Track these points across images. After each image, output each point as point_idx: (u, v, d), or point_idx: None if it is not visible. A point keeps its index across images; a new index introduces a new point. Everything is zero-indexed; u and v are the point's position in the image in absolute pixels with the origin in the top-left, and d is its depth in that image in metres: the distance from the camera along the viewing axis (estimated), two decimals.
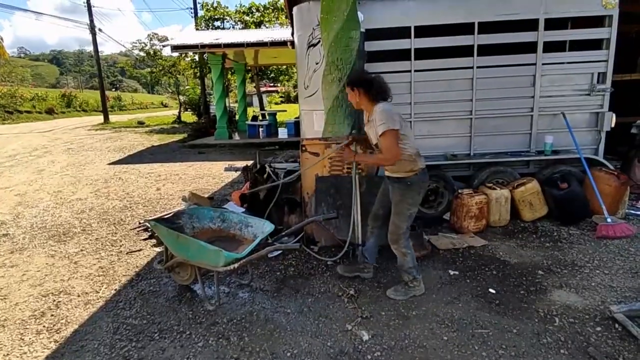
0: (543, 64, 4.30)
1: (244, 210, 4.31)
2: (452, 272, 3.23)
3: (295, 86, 36.48)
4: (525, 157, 4.42)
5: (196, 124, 15.37)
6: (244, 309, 2.83)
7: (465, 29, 4.27)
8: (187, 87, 22.17)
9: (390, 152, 2.57)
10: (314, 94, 4.71)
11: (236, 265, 2.58)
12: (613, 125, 4.40)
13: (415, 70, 4.37)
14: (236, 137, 13.00)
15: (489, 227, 4.12)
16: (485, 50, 4.30)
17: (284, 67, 21.04)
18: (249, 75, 18.25)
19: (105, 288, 3.23)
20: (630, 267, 3.23)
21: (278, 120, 14.31)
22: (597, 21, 4.32)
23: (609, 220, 3.86)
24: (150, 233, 4.30)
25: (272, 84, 33.65)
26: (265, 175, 3.96)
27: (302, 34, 4.78)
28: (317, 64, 4.56)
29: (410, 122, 4.51)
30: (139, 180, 7.24)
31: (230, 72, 16.90)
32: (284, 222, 3.96)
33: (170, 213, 4.55)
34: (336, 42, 3.62)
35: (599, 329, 2.45)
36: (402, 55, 4.41)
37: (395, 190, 2.77)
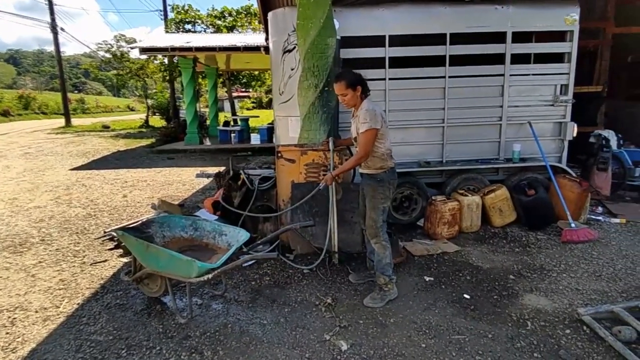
0: (511, 75, 4.46)
1: (216, 217, 4.19)
2: (427, 279, 3.26)
3: (267, 92, 36.33)
4: (495, 165, 4.56)
5: (165, 129, 14.93)
6: (217, 321, 2.72)
7: (438, 39, 4.38)
8: (155, 90, 21.58)
9: (365, 149, 2.72)
10: (289, 100, 4.68)
11: (210, 276, 2.48)
12: (575, 134, 4.63)
13: (390, 79, 4.43)
14: (207, 142, 12.73)
15: (461, 233, 4.21)
16: (457, 60, 4.41)
17: (257, 72, 20.92)
18: (221, 80, 17.98)
19: (67, 302, 3.03)
20: (594, 270, 3.38)
21: (251, 126, 14.14)
22: (559, 36, 4.55)
23: (572, 225, 4.03)
24: (116, 243, 4.10)
25: (243, 90, 33.34)
26: (239, 182, 3.87)
27: (277, 40, 4.74)
28: (292, 69, 4.54)
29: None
30: (104, 187, 6.91)
31: (201, 76, 16.59)
32: (259, 229, 3.88)
33: (138, 221, 4.37)
34: (312, 48, 3.60)
35: (568, 331, 2.53)
36: (376, 63, 4.46)
37: (368, 186, 2.89)
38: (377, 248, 2.90)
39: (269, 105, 38.04)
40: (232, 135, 12.79)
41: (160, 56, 15.49)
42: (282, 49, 4.60)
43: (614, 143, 5.85)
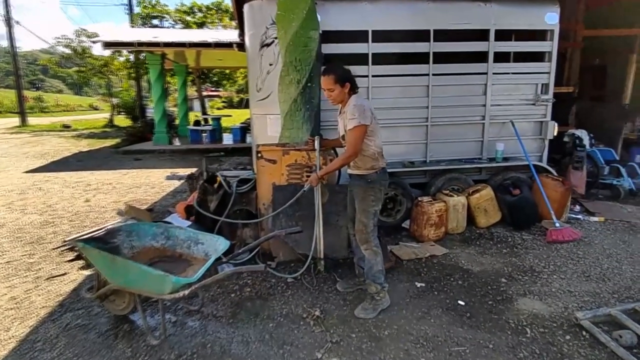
0: (494, 74, 4.41)
1: (190, 224, 3.88)
2: (418, 284, 3.11)
3: (238, 91, 35.60)
4: (480, 164, 4.50)
5: (131, 129, 14.19)
6: (195, 340, 2.44)
7: (421, 36, 4.25)
8: (120, 88, 20.58)
9: (354, 147, 2.54)
10: (267, 96, 4.43)
11: (187, 292, 2.20)
12: (555, 133, 4.63)
13: (373, 76, 4.26)
14: (176, 142, 12.19)
15: (447, 235, 4.10)
16: (440, 58, 4.31)
17: (228, 71, 20.40)
18: (191, 78, 17.35)
19: (19, 325, 2.65)
20: (582, 270, 3.34)
21: (223, 125, 13.68)
22: (539, 35, 4.54)
23: (557, 225, 4.01)
24: (77, 253, 3.70)
25: (213, 88, 32.51)
26: (216, 185, 3.58)
27: (254, 33, 4.48)
28: (271, 65, 4.29)
29: None
30: (64, 191, 6.38)
31: (169, 74, 15.92)
32: (237, 235, 3.60)
33: (102, 230, 3.99)
34: (295, 41, 3.38)
35: (568, 337, 2.43)
36: (359, 59, 4.29)
37: (358, 187, 2.70)
38: (367, 254, 2.71)
39: (239, 104, 37.29)
40: (204, 135, 12.32)
41: (125, 52, 14.71)
42: (259, 43, 4.34)
43: (586, 142, 5.96)
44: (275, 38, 4.21)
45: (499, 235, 4.11)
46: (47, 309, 2.82)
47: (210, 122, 13.23)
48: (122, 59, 16.90)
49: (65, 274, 3.37)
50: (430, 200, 3.98)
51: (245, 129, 13.05)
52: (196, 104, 22.84)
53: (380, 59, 4.24)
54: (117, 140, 13.14)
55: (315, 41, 3.45)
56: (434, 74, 4.33)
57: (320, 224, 3.18)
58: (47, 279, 3.29)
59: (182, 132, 13.69)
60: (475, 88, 4.49)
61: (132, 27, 15.81)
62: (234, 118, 16.93)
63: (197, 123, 13.18)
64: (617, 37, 7.20)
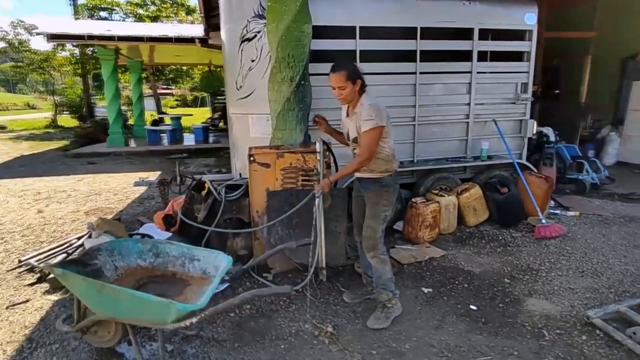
0: (477, 73, 4.42)
1: (170, 235, 3.52)
2: (425, 290, 3.01)
3: (192, 89, 34.14)
4: (467, 163, 4.51)
5: (80, 129, 13.07)
6: None
7: (409, 33, 4.17)
8: (64, 86, 18.96)
9: (370, 150, 2.37)
10: (249, 95, 4.16)
11: (195, 319, 1.92)
12: (535, 131, 4.75)
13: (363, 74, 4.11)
14: (132, 144, 11.38)
15: (440, 235, 4.05)
16: (427, 56, 4.25)
17: (184, 67, 19.49)
18: (144, 74, 16.33)
19: None
20: (576, 266, 3.41)
21: (183, 125, 13.00)
22: (518, 35, 4.62)
23: (543, 221, 4.09)
24: (38, 274, 3.22)
25: (165, 86, 30.95)
26: (204, 192, 3.26)
27: (233, 27, 4.19)
28: (253, 61, 4.03)
29: None
30: (10, 201, 5.66)
31: (120, 70, 14.86)
32: (228, 247, 3.31)
33: (64, 243, 3.55)
34: (287, 36, 3.13)
35: (584, 337, 2.43)
36: (345, 57, 4.12)
37: (370, 192, 2.54)
38: (374, 263, 2.55)
39: (194, 103, 35.80)
40: (163, 135, 11.63)
41: (70, 46, 13.51)
42: (239, 37, 4.06)
43: (552, 139, 6.24)
44: (258, 32, 3.95)
45: (489, 234, 4.13)
46: (13, 345, 2.39)
47: (170, 121, 12.52)
48: (65, 53, 15.54)
49: (27, 300, 2.90)
50: (425, 201, 3.91)
51: (207, 128, 12.49)
52: (148, 103, 21.60)
53: (368, 56, 4.09)
54: (65, 142, 12.03)
55: (308, 36, 3.23)
56: (420, 73, 4.26)
57: (322, 231, 2.98)
58: (7, 307, 2.81)
59: (138, 132, 12.83)
60: (460, 87, 4.49)
61: (77, 19, 14.55)
62: (195, 117, 16.14)
63: (155, 123, 12.42)
64: (574, 39, 7.65)
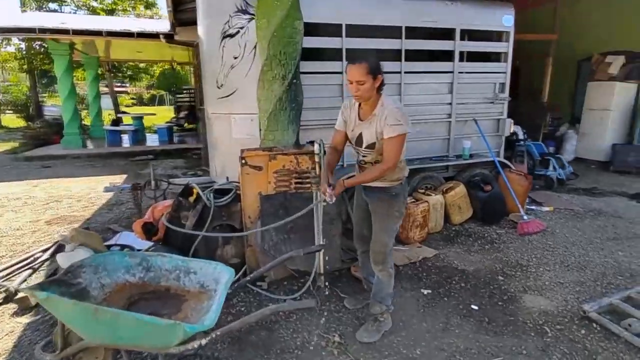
0: (459, 72, 4.48)
1: (152, 245, 3.28)
2: (425, 292, 2.98)
3: (149, 87, 32.63)
4: (450, 162, 4.56)
5: (30, 130, 12.06)
6: None
7: (394, 32, 4.14)
8: (7, 83, 17.46)
9: (396, 157, 2.15)
10: (231, 94, 3.97)
11: (204, 341, 1.74)
12: (512, 130, 4.90)
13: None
14: (90, 145, 10.64)
15: (428, 234, 4.07)
16: (411, 55, 4.25)
17: (143, 64, 18.59)
18: (100, 71, 15.35)
19: None
20: (560, 260, 3.53)
21: (145, 124, 12.36)
22: (495, 36, 4.74)
23: (525, 217, 4.22)
24: (3, 294, 2.87)
25: (119, 84, 29.37)
26: (193, 198, 3.03)
27: (212, 23, 3.98)
28: (235, 58, 3.84)
29: None
30: None
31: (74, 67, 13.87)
32: (217, 255, 3.12)
33: (45, 263, 3.22)
34: (279, 32, 2.99)
35: (583, 331, 2.49)
36: (331, 55, 4.03)
37: (380, 202, 2.35)
38: (381, 276, 2.44)
39: (151, 101, 34.23)
40: (124, 136, 10.98)
41: (17, 40, 12.43)
42: (221, 33, 3.85)
43: (521, 137, 6.50)
44: (241, 28, 3.77)
45: (474, 231, 4.20)
46: None
47: (131, 121, 11.86)
48: (10, 48, 14.28)
49: None
50: (414, 201, 3.91)
51: (171, 128, 11.96)
52: (105, 101, 20.37)
53: (355, 55, 4.02)
54: (13, 143, 11.03)
55: (300, 33, 3.10)
56: (405, 72, 4.25)
57: (321, 235, 2.87)
58: None
59: (95, 133, 12.04)
60: (443, 87, 4.53)
61: (24, 11, 13.41)
62: (159, 116, 15.40)
63: (115, 122, 11.69)
64: (537, 41, 8.01)
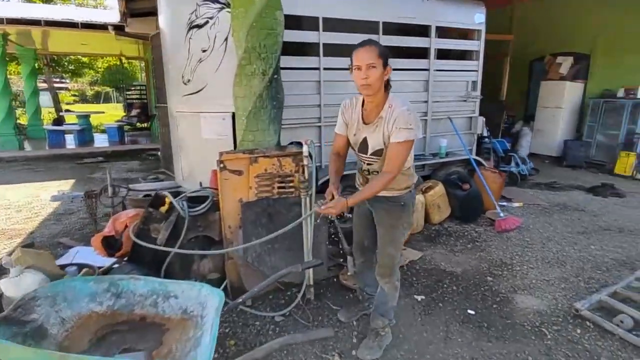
0: (435, 70, 4.44)
1: (115, 261, 2.89)
2: (419, 298, 2.86)
3: (92, 83, 30.35)
4: (427, 161, 4.52)
5: None
6: None
7: (372, 28, 4.00)
8: None
9: (400, 166, 1.92)
10: (200, 90, 3.66)
11: None
12: (487, 129, 4.95)
13: (325, 69, 3.84)
14: (28, 147, 9.61)
15: (410, 235, 3.98)
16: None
17: (86, 58, 17.21)
18: (37, 65, 13.96)
19: None
20: (541, 257, 3.57)
21: (92, 123, 11.40)
22: (466, 34, 4.75)
23: (501, 215, 4.26)
24: None
25: (58, 79, 27.08)
26: (165, 209, 2.68)
27: (176, 12, 3.65)
28: (204, 51, 3.53)
29: (320, 127, 3.97)
30: None
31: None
32: (193, 271, 2.80)
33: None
34: (259, 23, 2.71)
35: (579, 331, 2.49)
36: (307, 50, 3.82)
37: (386, 213, 2.14)
38: (387, 288, 2.25)
39: (95, 99, 31.98)
40: (69, 136, 10.04)
41: None
42: (186, 23, 3.51)
43: (485, 135, 6.66)
44: (210, 18, 3.46)
45: (454, 230, 4.18)
46: None
47: (76, 120, 10.88)
48: None
49: None
50: None
51: (122, 128, 11.14)
52: (43, 99, 18.64)
53: (333, 50, 3.84)
54: None
55: (281, 24, 2.84)
56: None
57: (311, 244, 2.66)
58: None
59: (34, 133, 10.93)
60: (418, 84, 4.47)
61: None
62: (108, 115, 14.30)
63: (57, 122, 10.65)
64: (494, 41, 8.27)
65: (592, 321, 2.55)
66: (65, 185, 6.15)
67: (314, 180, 2.59)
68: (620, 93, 7.31)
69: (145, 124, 13.37)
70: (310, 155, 2.61)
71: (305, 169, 2.56)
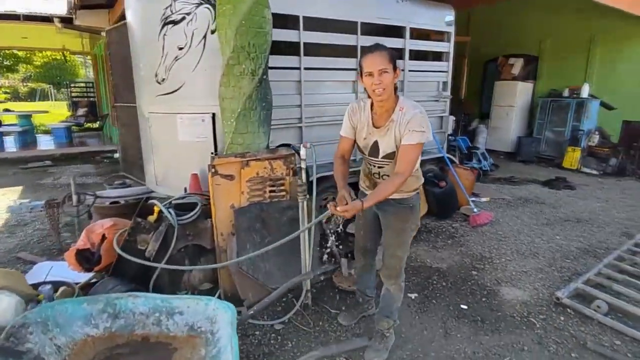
0: (409, 71, 4.53)
1: (93, 276, 2.67)
2: (412, 296, 2.91)
3: (25, 79, 27.88)
4: None
5: None
6: None
7: (351, 28, 4.00)
8: None
9: (412, 168, 1.93)
10: (176, 90, 3.48)
11: None
12: (453, 127, 5.14)
13: (305, 68, 3.78)
14: None
15: None
16: None
17: (22, 53, 15.77)
18: None
19: None
20: (516, 249, 3.78)
21: (35, 124, 10.46)
22: (436, 36, 4.90)
23: (475, 210, 4.45)
24: None
25: None
26: (154, 218, 2.49)
27: (148, 7, 3.46)
28: (181, 49, 3.36)
29: (301, 127, 3.91)
30: None
31: None
32: (184, 282, 2.65)
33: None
34: (248, 21, 2.61)
35: (563, 318, 2.66)
36: (287, 49, 3.74)
37: (395, 216, 2.15)
38: (393, 290, 2.26)
39: (30, 96, 29.35)
40: (8, 138, 9.14)
41: None
42: (160, 19, 3.31)
43: (450, 132, 6.93)
44: (187, 14, 3.28)
45: (433, 227, 4.31)
46: None
47: (15, 120, 9.91)
48: None
49: None
50: None
51: (69, 129, 10.32)
52: None
53: (314, 50, 3.79)
54: None
55: (270, 23, 2.75)
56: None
57: (308, 249, 2.61)
58: None
59: None
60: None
61: None
62: (52, 115, 13.17)
63: None
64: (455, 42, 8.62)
65: (572, 308, 2.74)
66: (12, 194, 5.58)
67: (314, 184, 2.54)
68: (566, 93, 7.92)
69: (94, 124, 12.49)
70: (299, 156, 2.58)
71: (303, 172, 2.50)
